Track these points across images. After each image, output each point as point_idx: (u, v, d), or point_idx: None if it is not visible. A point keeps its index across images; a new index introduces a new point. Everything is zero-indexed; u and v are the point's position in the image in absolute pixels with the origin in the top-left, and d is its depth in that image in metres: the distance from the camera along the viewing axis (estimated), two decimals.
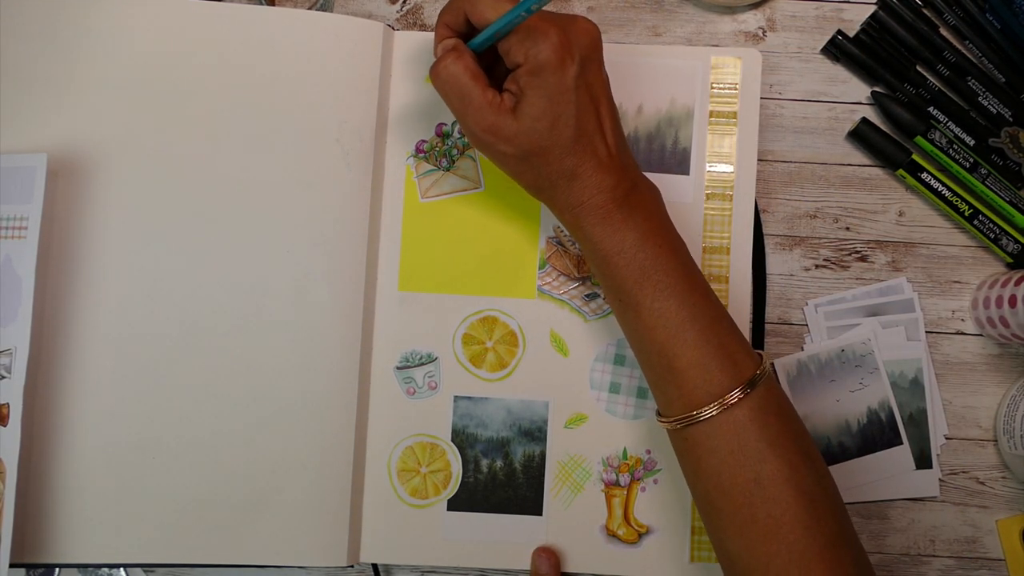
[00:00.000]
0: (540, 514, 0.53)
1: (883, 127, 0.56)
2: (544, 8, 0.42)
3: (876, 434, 0.54)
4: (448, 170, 0.54)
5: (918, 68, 0.56)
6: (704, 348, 0.43)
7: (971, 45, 0.56)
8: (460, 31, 0.46)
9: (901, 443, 0.54)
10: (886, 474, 0.54)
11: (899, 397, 0.54)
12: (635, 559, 0.53)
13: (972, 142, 0.55)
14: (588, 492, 0.53)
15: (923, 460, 0.54)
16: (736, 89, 0.54)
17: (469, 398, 0.53)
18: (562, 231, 0.54)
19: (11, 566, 0.48)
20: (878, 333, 0.54)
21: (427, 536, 0.53)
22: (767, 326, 0.55)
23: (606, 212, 0.44)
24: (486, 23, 0.44)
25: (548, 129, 0.43)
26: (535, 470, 0.53)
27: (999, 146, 0.55)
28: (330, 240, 0.52)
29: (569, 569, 0.53)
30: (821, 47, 0.56)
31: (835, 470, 0.54)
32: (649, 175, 0.53)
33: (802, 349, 0.55)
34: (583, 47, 0.43)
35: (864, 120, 0.55)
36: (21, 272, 0.49)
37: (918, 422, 0.54)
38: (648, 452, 0.53)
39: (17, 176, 0.49)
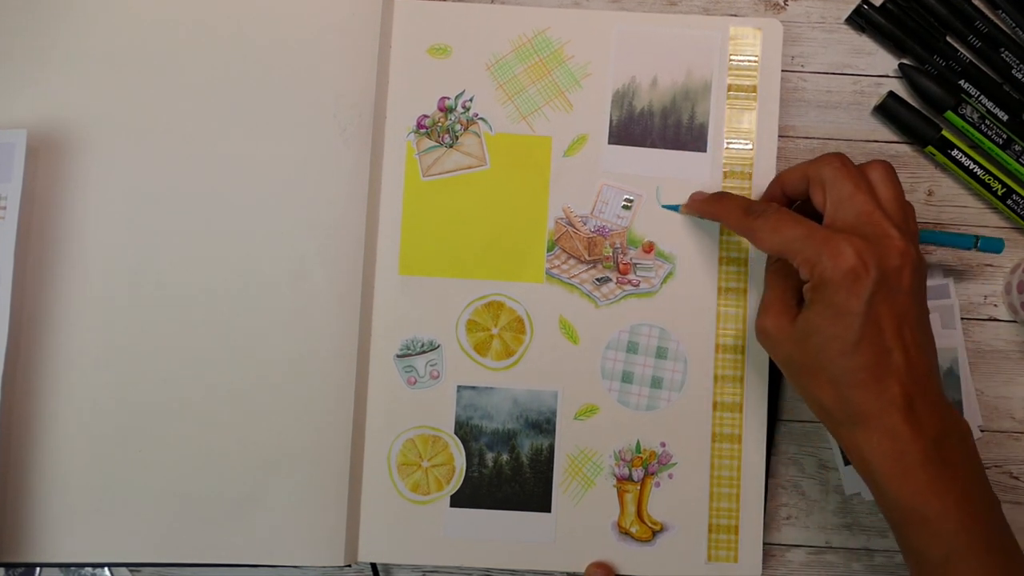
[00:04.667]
0: (548, 511, 0.51)
1: (911, 101, 0.53)
2: (883, 213, 0.42)
3: None
4: (451, 146, 0.52)
5: (948, 39, 0.53)
6: None
7: (1004, 15, 0.53)
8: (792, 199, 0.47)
9: None
10: None
11: None
12: (649, 558, 0.50)
13: (1005, 117, 0.53)
14: (599, 487, 0.51)
15: None
16: (756, 61, 0.52)
17: (473, 388, 0.51)
18: (572, 211, 0.52)
19: None
20: None
21: (429, 534, 0.51)
22: None
23: (904, 470, 0.39)
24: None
25: (818, 349, 0.41)
26: (543, 464, 0.51)
27: None
28: (327, 221, 0.50)
29: (579, 569, 0.50)
30: (845, 17, 0.54)
31: None
32: (665, 152, 0.52)
33: None
34: (887, 269, 0.40)
35: (891, 94, 0.53)
36: None
37: None
38: (663, 445, 0.51)
39: None
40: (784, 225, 0.43)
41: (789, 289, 0.44)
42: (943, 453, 0.40)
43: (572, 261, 0.52)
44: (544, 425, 0.51)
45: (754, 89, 0.52)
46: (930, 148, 0.52)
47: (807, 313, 0.42)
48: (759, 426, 0.51)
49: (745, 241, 0.51)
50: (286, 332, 0.50)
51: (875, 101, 0.53)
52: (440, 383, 0.51)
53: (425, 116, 0.52)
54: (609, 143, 0.52)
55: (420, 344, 0.51)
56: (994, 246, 0.49)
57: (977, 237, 0.49)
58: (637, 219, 0.52)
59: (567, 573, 0.51)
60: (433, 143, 0.52)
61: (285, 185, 0.51)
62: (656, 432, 0.51)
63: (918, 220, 0.53)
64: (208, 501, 0.49)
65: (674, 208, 0.51)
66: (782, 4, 0.54)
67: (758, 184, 0.51)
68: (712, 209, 0.48)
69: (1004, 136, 0.52)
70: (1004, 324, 0.53)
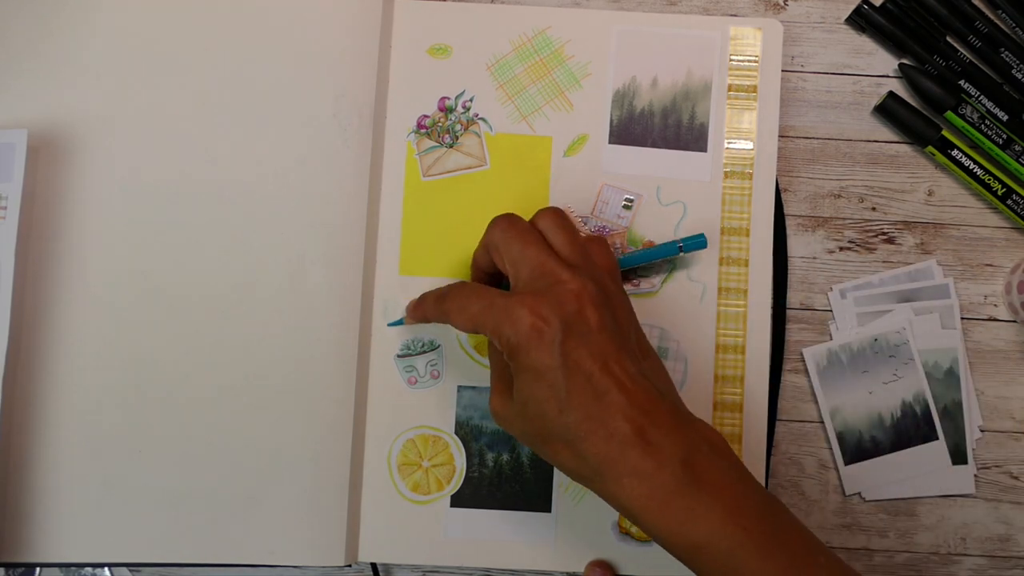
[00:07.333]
0: (549, 511, 0.51)
1: (911, 101, 0.53)
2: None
3: (911, 428, 0.51)
4: (451, 147, 0.52)
5: (948, 39, 0.53)
6: None
7: (1004, 15, 0.53)
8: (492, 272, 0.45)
9: (937, 438, 0.51)
10: (921, 471, 0.51)
11: (934, 389, 0.51)
12: (649, 558, 0.50)
13: (1005, 117, 0.52)
14: None
15: (958, 455, 0.51)
16: (756, 61, 0.52)
17: (474, 388, 0.51)
18: (572, 211, 0.51)
19: None
20: (912, 322, 0.52)
21: (429, 534, 0.50)
22: (788, 312, 0.53)
23: (662, 505, 0.37)
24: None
25: (539, 415, 0.39)
26: (543, 464, 0.51)
27: None
28: (327, 222, 0.50)
29: (579, 569, 0.50)
30: (846, 17, 0.54)
31: (866, 466, 0.51)
32: (665, 152, 0.51)
33: (830, 337, 0.52)
34: (567, 315, 0.39)
35: (891, 94, 0.53)
36: (0, 255, 0.47)
37: (953, 415, 0.51)
38: None
39: None
40: (468, 301, 0.41)
41: (503, 365, 0.42)
42: (696, 473, 0.38)
43: None
44: None
45: (754, 89, 0.52)
46: (930, 148, 0.52)
47: (516, 384, 0.40)
48: (759, 426, 0.50)
49: (745, 241, 0.51)
50: (286, 332, 0.50)
51: (875, 101, 0.53)
52: (440, 383, 0.51)
53: (425, 116, 0.52)
54: (609, 143, 0.52)
55: (420, 344, 0.51)
56: (698, 243, 0.49)
57: (680, 242, 0.49)
58: (637, 219, 0.52)
59: (567, 573, 0.51)
60: (433, 143, 0.52)
61: (285, 185, 0.50)
62: None
63: (912, 221, 0.53)
64: (208, 501, 0.49)
65: (398, 323, 0.51)
66: (782, 4, 0.54)
67: (759, 184, 0.51)
68: (418, 313, 0.47)
69: (1004, 136, 0.52)
70: (1004, 324, 0.53)
